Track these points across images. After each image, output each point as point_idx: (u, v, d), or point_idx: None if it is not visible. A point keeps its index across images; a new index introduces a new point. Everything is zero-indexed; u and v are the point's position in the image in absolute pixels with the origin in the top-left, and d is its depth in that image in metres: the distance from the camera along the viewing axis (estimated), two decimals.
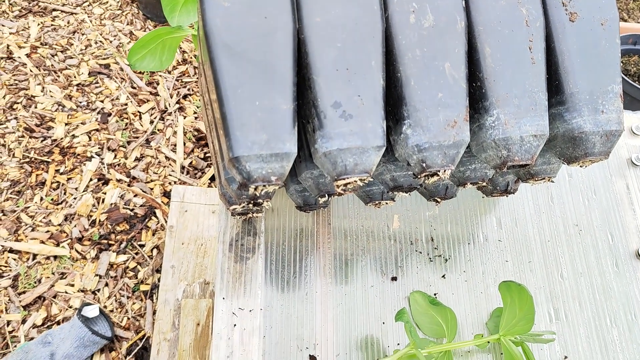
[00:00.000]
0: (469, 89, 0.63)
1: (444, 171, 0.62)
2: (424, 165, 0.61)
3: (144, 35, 0.84)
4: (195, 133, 1.83)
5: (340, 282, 0.81)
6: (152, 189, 1.67)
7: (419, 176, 0.63)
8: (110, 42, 2.01)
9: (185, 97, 1.92)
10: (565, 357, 0.79)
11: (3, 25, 1.99)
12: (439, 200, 0.81)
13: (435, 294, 0.82)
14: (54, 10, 2.08)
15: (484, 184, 0.76)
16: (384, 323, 0.78)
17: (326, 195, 0.71)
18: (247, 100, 0.55)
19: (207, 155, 1.79)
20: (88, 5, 2.12)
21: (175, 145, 1.78)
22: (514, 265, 0.87)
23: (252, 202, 0.69)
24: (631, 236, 0.91)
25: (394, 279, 0.82)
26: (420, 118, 0.60)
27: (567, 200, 0.93)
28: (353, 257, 0.83)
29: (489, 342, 0.76)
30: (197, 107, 1.90)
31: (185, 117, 1.86)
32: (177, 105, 1.88)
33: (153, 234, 1.56)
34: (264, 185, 0.58)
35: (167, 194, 1.67)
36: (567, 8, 0.65)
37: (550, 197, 0.93)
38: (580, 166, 0.68)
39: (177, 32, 0.86)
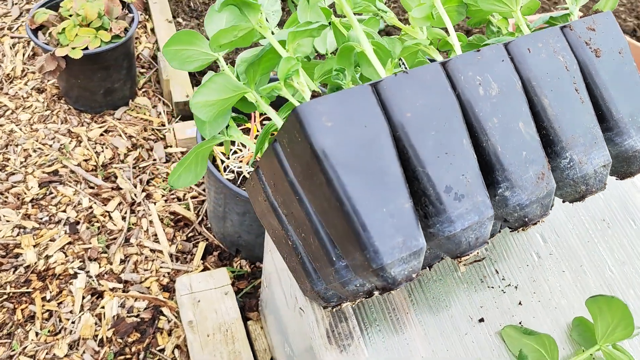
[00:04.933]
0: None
1: (542, 220, 0.67)
2: (526, 220, 0.66)
3: (183, 158, 0.83)
4: (172, 217, 1.76)
5: (438, 341, 0.83)
6: (148, 287, 1.59)
7: (518, 230, 0.67)
8: (50, 146, 1.89)
9: (148, 182, 1.85)
10: None
11: None
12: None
13: (520, 322, 0.87)
14: None
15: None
16: None
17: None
18: (375, 210, 0.57)
19: (190, 236, 1.74)
20: (11, 114, 1.98)
21: (156, 235, 1.71)
22: (571, 273, 0.94)
23: (368, 296, 0.70)
24: None
25: (481, 320, 0.86)
26: (516, 179, 0.64)
27: (588, 199, 1.01)
28: (440, 313, 0.86)
29: (592, 354, 0.81)
30: (164, 190, 1.83)
31: (155, 203, 1.79)
32: (144, 194, 1.81)
33: (169, 334, 1.49)
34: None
35: (166, 288, 1.60)
36: (590, 46, 0.73)
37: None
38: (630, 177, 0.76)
39: (209, 143, 0.85)
